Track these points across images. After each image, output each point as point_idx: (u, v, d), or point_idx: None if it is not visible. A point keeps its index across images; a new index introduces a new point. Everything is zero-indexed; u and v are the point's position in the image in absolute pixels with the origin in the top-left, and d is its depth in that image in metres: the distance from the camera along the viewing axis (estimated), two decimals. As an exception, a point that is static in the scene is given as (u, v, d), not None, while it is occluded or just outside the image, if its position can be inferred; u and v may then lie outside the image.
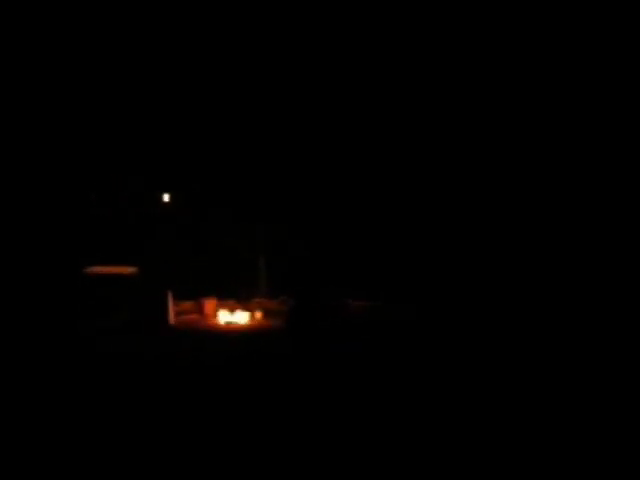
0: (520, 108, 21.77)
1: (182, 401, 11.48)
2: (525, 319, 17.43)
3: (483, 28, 21.71)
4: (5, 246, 21.58)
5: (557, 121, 21.53)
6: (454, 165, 22.24)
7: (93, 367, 14.03)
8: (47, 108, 23.07)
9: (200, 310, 20.15)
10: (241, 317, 19.26)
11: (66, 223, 23.74)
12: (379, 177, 23.12)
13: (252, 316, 19.66)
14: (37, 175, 22.97)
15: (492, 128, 22.08)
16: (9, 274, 20.33)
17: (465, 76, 22.19)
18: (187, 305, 20.52)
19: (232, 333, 17.93)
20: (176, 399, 11.58)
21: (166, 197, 25.32)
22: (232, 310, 19.68)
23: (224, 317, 19.25)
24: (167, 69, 23.39)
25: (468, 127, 22.21)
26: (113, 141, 24.59)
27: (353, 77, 22.75)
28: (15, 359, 14.56)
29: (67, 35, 22.54)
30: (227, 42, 23.30)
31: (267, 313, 20.10)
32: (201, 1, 22.69)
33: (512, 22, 21.44)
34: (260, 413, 10.78)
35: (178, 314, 19.60)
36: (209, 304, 20.18)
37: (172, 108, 24.32)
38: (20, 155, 22.71)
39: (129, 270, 19.78)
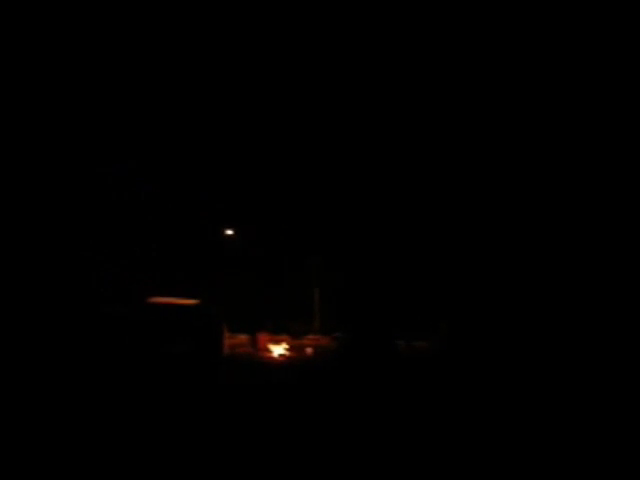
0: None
1: (231, 422, 12.13)
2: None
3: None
4: (73, 277, 22.81)
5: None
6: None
7: (151, 390, 14.80)
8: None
9: (253, 344, 20.92)
10: (291, 352, 19.98)
11: (132, 254, 24.92)
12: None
13: (303, 351, 20.33)
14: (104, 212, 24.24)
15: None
16: (77, 303, 21.49)
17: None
18: (241, 338, 21.33)
19: (280, 366, 18.53)
20: (225, 420, 12.24)
21: (229, 232, 26.32)
22: (284, 345, 20.41)
23: (275, 351, 19.99)
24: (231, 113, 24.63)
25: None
26: (178, 178, 25.79)
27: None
28: (79, 377, 15.47)
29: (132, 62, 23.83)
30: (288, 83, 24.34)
31: (318, 349, 20.70)
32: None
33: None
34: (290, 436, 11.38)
35: (232, 347, 20.39)
36: (262, 338, 20.96)
37: (233, 149, 25.47)
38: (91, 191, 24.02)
39: (189, 302, 20.69)
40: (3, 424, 11.38)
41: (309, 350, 20.49)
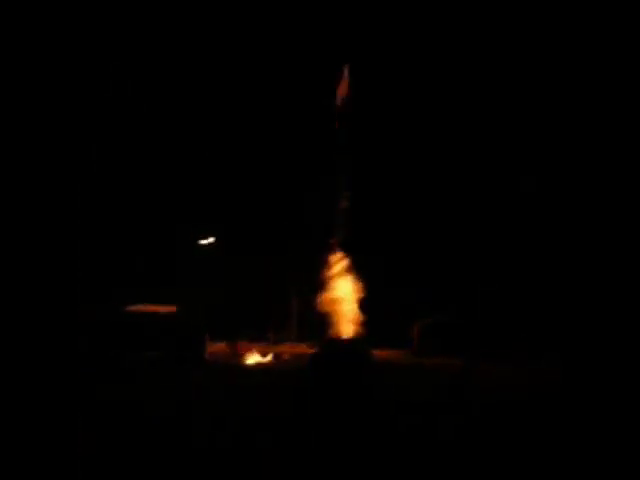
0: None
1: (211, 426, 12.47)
2: None
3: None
4: (53, 282, 22.95)
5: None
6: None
7: (132, 394, 15.08)
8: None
9: (232, 351, 21.27)
10: (268, 359, 20.41)
11: (112, 262, 25.09)
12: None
13: (279, 358, 20.74)
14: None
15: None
16: (56, 308, 21.65)
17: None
18: (220, 346, 21.68)
19: (258, 373, 18.90)
20: (204, 426, 12.58)
21: (210, 240, 26.56)
22: (261, 352, 20.81)
23: (253, 358, 20.39)
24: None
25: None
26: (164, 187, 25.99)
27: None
28: (57, 383, 15.71)
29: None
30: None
31: (295, 356, 21.07)
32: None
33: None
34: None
35: (211, 354, 20.69)
36: (240, 346, 21.31)
37: (217, 158, 25.72)
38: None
39: (168, 309, 21.03)
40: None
41: (286, 357, 20.91)
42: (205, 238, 25.72)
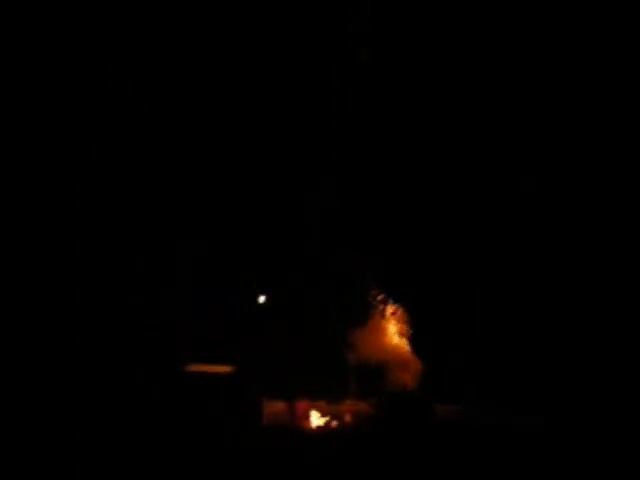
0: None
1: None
2: None
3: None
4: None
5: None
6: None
7: (185, 462, 14.64)
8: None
9: (291, 411, 20.59)
10: (329, 420, 19.70)
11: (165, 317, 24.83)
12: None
13: (342, 419, 19.99)
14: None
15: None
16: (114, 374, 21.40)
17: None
18: (278, 406, 21.00)
19: (319, 436, 18.35)
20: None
21: (262, 299, 26.14)
22: (322, 413, 20.10)
23: (314, 420, 19.71)
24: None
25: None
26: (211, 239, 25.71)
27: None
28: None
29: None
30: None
31: (357, 416, 20.34)
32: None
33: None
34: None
35: (269, 415, 20.09)
36: (300, 405, 20.60)
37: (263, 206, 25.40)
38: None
39: (224, 369, 20.57)
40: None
41: (348, 417, 20.15)
42: (260, 295, 25.32)
